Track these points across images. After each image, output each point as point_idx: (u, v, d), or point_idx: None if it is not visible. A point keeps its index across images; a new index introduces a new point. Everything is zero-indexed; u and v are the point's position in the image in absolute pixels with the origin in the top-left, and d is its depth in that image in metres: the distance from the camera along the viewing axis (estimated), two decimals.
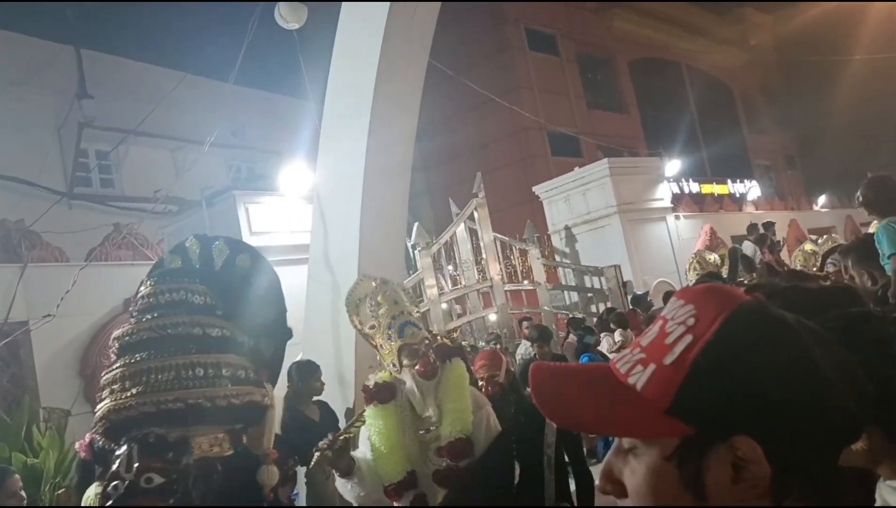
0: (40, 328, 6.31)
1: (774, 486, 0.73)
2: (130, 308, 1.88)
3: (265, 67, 13.34)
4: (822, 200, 21.81)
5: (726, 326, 0.74)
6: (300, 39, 6.67)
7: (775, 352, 0.73)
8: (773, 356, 0.73)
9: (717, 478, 0.73)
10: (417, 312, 3.37)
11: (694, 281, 6.58)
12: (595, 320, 9.58)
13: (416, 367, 2.93)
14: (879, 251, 3.80)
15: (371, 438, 3.00)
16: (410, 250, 9.43)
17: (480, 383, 3.66)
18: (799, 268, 6.72)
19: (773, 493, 0.73)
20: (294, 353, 5.95)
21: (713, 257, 7.11)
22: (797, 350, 0.73)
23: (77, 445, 4.13)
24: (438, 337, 3.79)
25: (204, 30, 13.26)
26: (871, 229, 3.86)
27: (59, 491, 4.31)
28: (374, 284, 3.15)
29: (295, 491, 4.81)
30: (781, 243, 13.61)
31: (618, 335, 7.77)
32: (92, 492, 3.86)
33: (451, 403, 2.92)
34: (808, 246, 7.12)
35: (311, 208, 5.47)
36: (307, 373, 4.75)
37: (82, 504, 3.76)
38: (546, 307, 10.57)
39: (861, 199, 3.96)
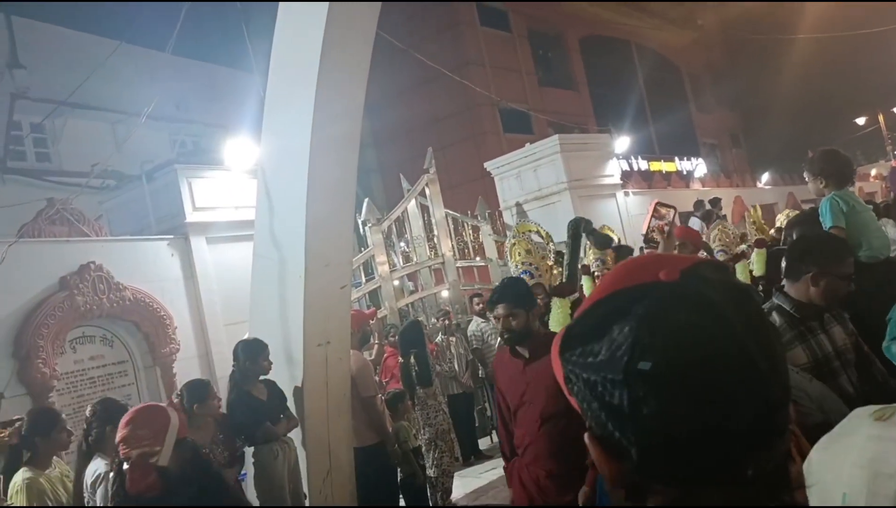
0: None
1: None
2: None
3: (208, 38, 12.97)
4: (765, 177, 22.36)
5: None
6: (243, 9, 6.45)
7: None
8: None
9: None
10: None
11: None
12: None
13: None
14: (823, 225, 3.87)
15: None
16: (361, 227, 9.31)
17: None
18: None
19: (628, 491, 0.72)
20: (240, 331, 5.82)
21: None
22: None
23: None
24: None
25: None
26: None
27: None
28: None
29: (243, 472, 4.72)
30: (726, 219, 13.90)
31: None
32: (20, 478, 3.70)
33: None
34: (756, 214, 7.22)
35: (256, 183, 5.30)
36: (254, 352, 4.64)
37: (10, 491, 3.60)
38: (498, 283, 10.58)
39: (817, 170, 4.00)
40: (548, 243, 5.67)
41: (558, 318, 4.20)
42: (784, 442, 0.71)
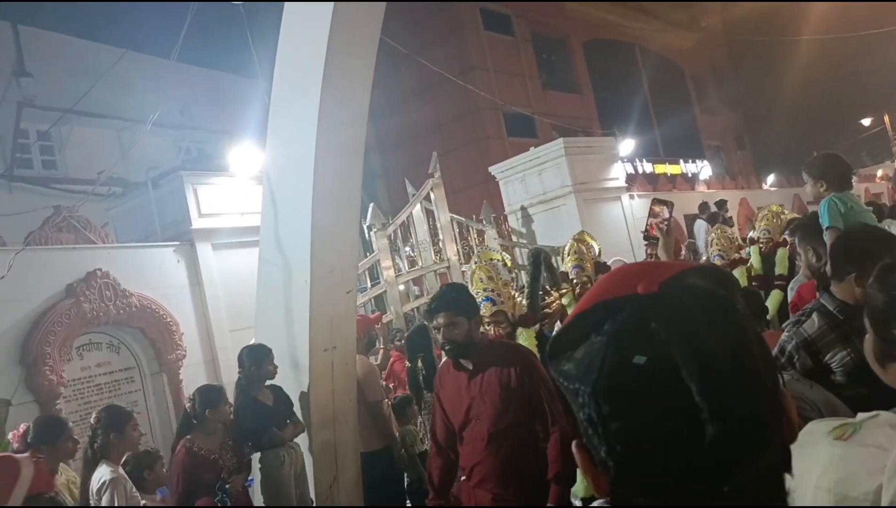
0: None
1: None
2: None
3: (212, 45, 13.01)
4: (770, 179, 22.28)
5: None
6: (247, 15, 6.47)
7: None
8: None
9: None
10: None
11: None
12: None
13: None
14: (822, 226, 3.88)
15: None
16: (366, 232, 9.31)
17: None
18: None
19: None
20: (246, 337, 5.82)
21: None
22: None
23: (10, 435, 3.97)
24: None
25: (146, 5, 12.81)
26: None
27: None
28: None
29: (250, 478, 4.72)
30: (732, 222, 13.88)
31: None
32: None
33: None
34: (775, 207, 7.19)
35: (261, 189, 5.32)
36: (259, 357, 4.65)
37: None
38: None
39: (817, 173, 4.01)
40: (512, 272, 5.45)
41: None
42: (768, 456, 0.69)
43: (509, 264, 5.34)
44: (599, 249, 6.56)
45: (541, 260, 4.45)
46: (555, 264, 5.71)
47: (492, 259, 5.09)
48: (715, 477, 0.67)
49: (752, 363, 0.70)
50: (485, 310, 4.12)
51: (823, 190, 3.97)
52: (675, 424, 0.66)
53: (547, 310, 4.68)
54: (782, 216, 6.64)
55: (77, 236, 7.27)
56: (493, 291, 4.28)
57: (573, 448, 0.76)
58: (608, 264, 6.57)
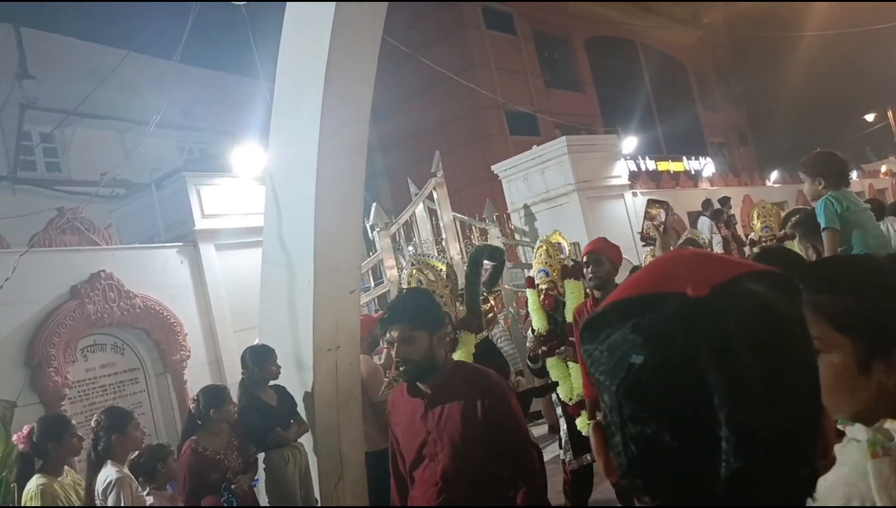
0: None
1: None
2: None
3: (215, 46, 13.02)
4: (774, 175, 22.24)
5: None
6: (249, 15, 6.47)
7: None
8: None
9: None
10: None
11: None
12: None
13: None
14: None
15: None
16: (369, 231, 9.31)
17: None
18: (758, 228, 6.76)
19: None
20: (250, 337, 5.83)
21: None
22: None
23: (15, 437, 3.98)
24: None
25: (148, 6, 12.83)
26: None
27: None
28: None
29: (256, 478, 4.73)
30: (735, 219, 13.86)
31: None
32: (33, 484, 3.72)
33: None
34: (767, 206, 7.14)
35: (264, 189, 5.32)
36: (262, 358, 4.66)
37: (24, 497, 3.62)
38: (507, 286, 10.58)
39: (815, 171, 4.02)
40: (449, 277, 4.65)
41: (464, 355, 3.87)
42: (793, 483, 0.66)
43: (447, 271, 4.65)
44: (570, 249, 6.10)
45: (481, 259, 4.13)
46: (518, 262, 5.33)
47: (432, 266, 4.59)
48: (728, 501, 0.63)
49: (793, 394, 0.65)
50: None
51: (822, 188, 3.98)
52: (697, 441, 0.63)
53: (487, 311, 4.45)
54: (777, 211, 6.59)
55: (81, 237, 7.28)
56: (433, 292, 3.92)
57: (591, 429, 0.74)
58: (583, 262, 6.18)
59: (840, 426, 1.20)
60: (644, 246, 3.71)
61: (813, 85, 25.98)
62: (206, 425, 4.40)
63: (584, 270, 3.97)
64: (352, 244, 5.05)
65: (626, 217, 12.36)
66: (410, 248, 10.08)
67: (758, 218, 6.76)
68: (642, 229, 3.63)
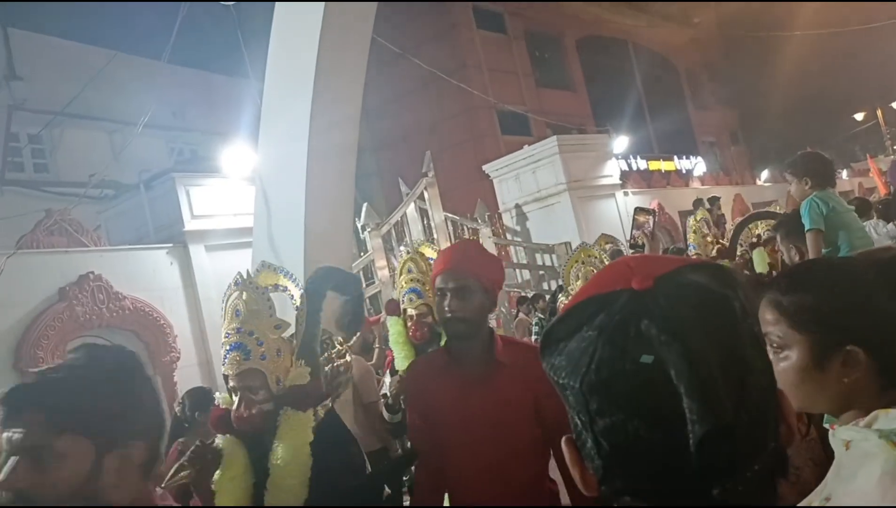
0: None
1: None
2: None
3: (204, 46, 12.96)
4: (765, 174, 22.33)
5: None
6: (238, 15, 6.45)
7: None
8: None
9: None
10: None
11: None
12: (548, 297, 9.62)
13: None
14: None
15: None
16: (360, 231, 9.29)
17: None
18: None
19: None
20: None
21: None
22: None
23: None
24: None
25: (137, 6, 12.76)
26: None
27: None
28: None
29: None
30: (725, 218, 13.89)
31: None
32: None
33: None
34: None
35: (254, 190, 5.29)
36: (204, 403, 4.63)
37: None
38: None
39: (802, 171, 4.03)
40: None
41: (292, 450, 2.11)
42: (761, 460, 0.67)
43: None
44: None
45: (323, 290, 2.33)
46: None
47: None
48: (703, 480, 0.65)
49: (745, 365, 0.68)
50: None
51: (808, 188, 3.99)
52: (665, 423, 0.64)
53: (340, 368, 2.58)
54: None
55: (69, 239, 7.23)
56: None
57: (562, 444, 0.74)
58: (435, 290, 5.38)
59: (827, 426, 1.22)
60: (633, 253, 3.71)
61: (803, 84, 26.10)
62: (192, 427, 4.36)
63: (439, 302, 2.23)
64: (342, 244, 5.03)
65: (617, 217, 12.39)
66: (402, 248, 10.06)
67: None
68: (631, 236, 3.65)
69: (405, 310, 3.49)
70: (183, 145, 14.63)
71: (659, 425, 0.65)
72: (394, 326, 3.52)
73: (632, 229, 3.63)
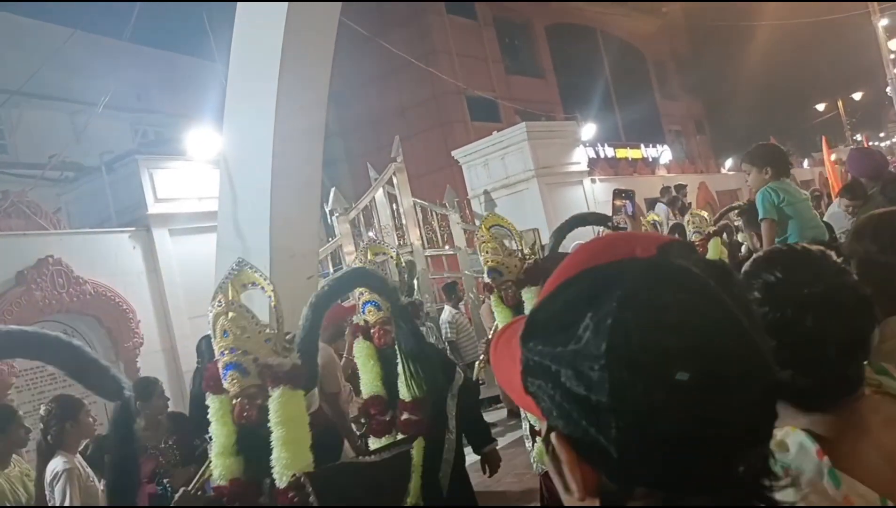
0: None
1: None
2: None
3: (167, 26, 12.70)
4: (728, 163, 22.66)
5: None
6: None
7: None
8: None
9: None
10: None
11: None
12: None
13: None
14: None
15: None
16: (328, 216, 9.22)
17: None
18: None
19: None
20: (205, 324, 5.72)
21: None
22: None
23: None
24: None
25: None
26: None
27: None
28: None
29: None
30: (690, 205, 14.07)
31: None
32: None
33: None
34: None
35: (219, 173, 5.21)
36: (147, 392, 4.58)
37: None
38: (467, 272, 10.60)
39: (760, 162, 4.12)
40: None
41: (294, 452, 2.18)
42: (758, 451, 0.65)
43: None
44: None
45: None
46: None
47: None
48: (734, 458, 0.61)
49: (761, 328, 0.65)
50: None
51: (769, 177, 4.07)
52: (705, 396, 0.60)
53: None
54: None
55: (27, 221, 7.07)
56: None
57: (553, 440, 0.66)
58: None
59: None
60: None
61: (768, 74, 26.50)
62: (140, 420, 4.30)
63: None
64: (309, 229, 4.99)
65: (584, 204, 12.46)
66: (370, 233, 10.01)
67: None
68: (612, 221, 3.67)
69: (365, 320, 3.39)
70: (147, 127, 14.35)
71: (701, 394, 0.59)
72: (359, 345, 3.42)
73: (612, 214, 3.66)
